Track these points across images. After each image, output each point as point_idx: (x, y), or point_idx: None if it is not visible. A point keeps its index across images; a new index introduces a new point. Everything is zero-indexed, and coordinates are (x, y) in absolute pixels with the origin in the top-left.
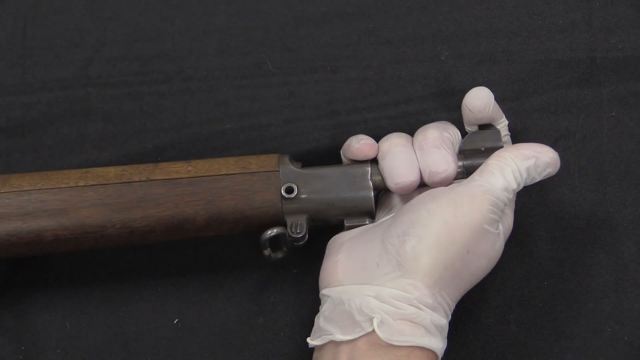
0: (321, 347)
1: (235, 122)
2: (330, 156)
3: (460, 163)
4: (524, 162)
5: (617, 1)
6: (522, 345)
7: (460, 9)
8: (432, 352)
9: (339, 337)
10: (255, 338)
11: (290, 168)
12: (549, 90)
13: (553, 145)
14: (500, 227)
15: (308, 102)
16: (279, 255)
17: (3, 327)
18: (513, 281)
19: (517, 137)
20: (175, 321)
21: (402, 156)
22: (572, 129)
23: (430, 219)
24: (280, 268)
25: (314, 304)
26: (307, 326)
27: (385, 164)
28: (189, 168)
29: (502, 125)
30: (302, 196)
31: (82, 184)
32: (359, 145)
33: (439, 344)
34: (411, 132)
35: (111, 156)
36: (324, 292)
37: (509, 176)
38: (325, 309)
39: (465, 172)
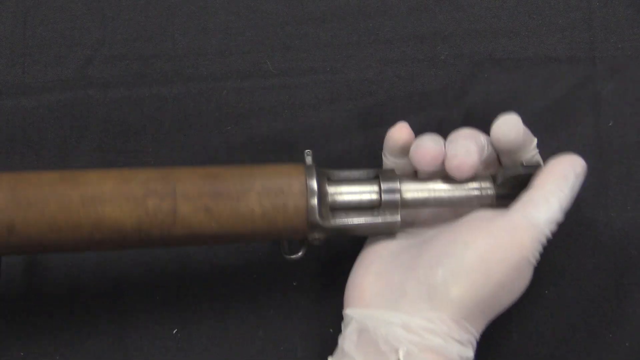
0: None
1: (235, 122)
2: (330, 156)
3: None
4: (566, 183)
5: (617, 1)
6: (523, 354)
7: (460, 9)
8: None
9: None
10: (254, 350)
11: (320, 226)
12: (548, 90)
13: (554, 150)
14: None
15: (308, 102)
16: (299, 254)
17: (1, 333)
18: None
19: None
20: (174, 331)
21: (429, 137)
22: (571, 130)
23: (466, 252)
24: (280, 280)
25: (313, 317)
26: (307, 339)
27: (413, 145)
28: (212, 224)
29: (533, 145)
30: (327, 227)
31: (97, 237)
32: (396, 128)
33: None
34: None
35: (111, 157)
36: (348, 311)
37: (554, 207)
38: (349, 332)
39: (497, 181)
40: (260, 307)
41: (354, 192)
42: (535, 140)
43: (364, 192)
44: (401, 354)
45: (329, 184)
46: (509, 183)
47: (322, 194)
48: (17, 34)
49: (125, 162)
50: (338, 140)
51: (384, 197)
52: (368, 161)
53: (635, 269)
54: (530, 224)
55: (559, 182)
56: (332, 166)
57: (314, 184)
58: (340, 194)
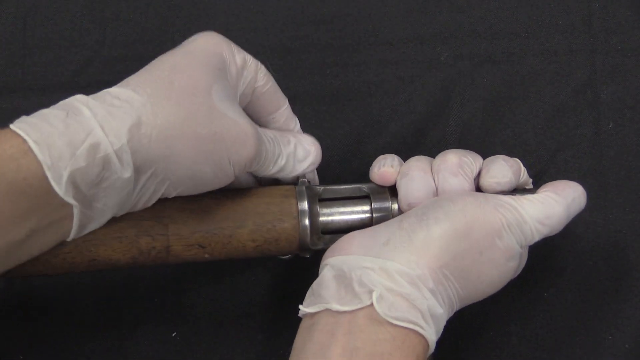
0: (314, 315)
1: None
2: (330, 158)
3: None
4: (564, 200)
5: (617, 1)
6: (523, 357)
7: (460, 10)
8: (425, 342)
9: (336, 306)
10: (254, 353)
11: (310, 249)
12: (548, 92)
13: (553, 152)
14: (520, 251)
15: (307, 104)
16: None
17: (1, 335)
18: (512, 293)
19: (516, 141)
20: (173, 334)
21: (419, 180)
22: (571, 132)
23: (452, 206)
24: (279, 283)
25: None
26: None
27: (402, 184)
28: (206, 255)
29: (525, 176)
30: (318, 249)
31: (92, 270)
32: (380, 171)
33: (432, 335)
34: (411, 133)
35: None
36: (325, 262)
37: (547, 210)
38: (326, 277)
39: None
40: (259, 310)
41: (344, 212)
42: (525, 173)
43: (355, 212)
44: (374, 296)
45: (320, 206)
46: None
47: (313, 221)
48: (17, 34)
49: None
50: (337, 142)
51: (375, 216)
52: (366, 163)
53: (634, 271)
54: (515, 210)
55: (557, 195)
56: (330, 169)
57: (306, 220)
58: (332, 216)
